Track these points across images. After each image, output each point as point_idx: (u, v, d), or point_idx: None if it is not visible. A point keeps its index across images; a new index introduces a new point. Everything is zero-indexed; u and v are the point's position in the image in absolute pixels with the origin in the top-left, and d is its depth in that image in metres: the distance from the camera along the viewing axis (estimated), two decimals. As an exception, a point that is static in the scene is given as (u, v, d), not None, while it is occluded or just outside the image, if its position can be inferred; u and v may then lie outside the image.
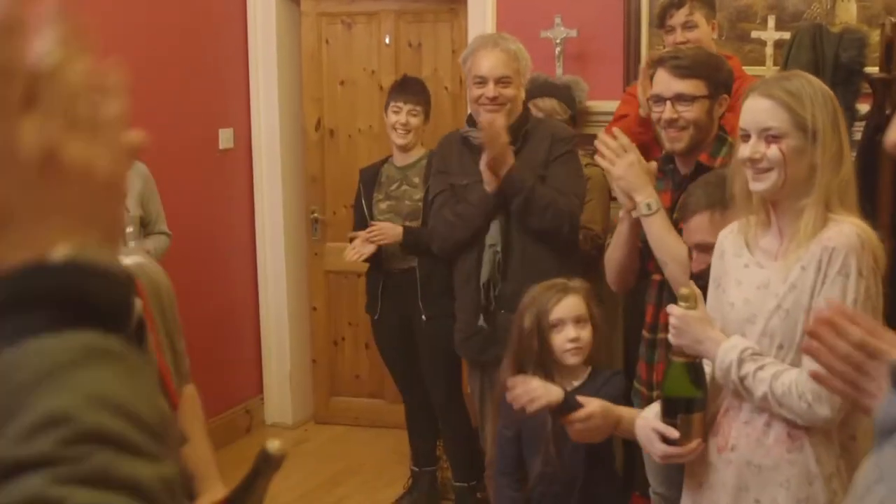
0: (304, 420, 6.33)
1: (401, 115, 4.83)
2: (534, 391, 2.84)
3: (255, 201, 6.08)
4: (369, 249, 4.75)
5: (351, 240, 4.93)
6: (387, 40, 5.93)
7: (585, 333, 3.24)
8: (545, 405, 2.83)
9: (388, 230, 4.73)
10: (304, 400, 6.34)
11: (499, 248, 4.13)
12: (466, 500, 4.92)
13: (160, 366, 1.62)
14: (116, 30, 5.10)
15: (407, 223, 4.79)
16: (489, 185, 4.07)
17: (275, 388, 6.26)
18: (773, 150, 2.51)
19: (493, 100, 4.10)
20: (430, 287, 4.71)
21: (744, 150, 2.58)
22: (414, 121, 4.84)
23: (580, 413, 2.79)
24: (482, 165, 4.03)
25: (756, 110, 2.57)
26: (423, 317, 4.75)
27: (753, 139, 2.56)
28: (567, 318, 3.24)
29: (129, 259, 1.60)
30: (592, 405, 2.82)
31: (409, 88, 4.95)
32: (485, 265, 4.16)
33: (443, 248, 4.39)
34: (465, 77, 4.29)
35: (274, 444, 1.79)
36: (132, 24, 5.20)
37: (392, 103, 4.87)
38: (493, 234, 4.14)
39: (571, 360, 3.20)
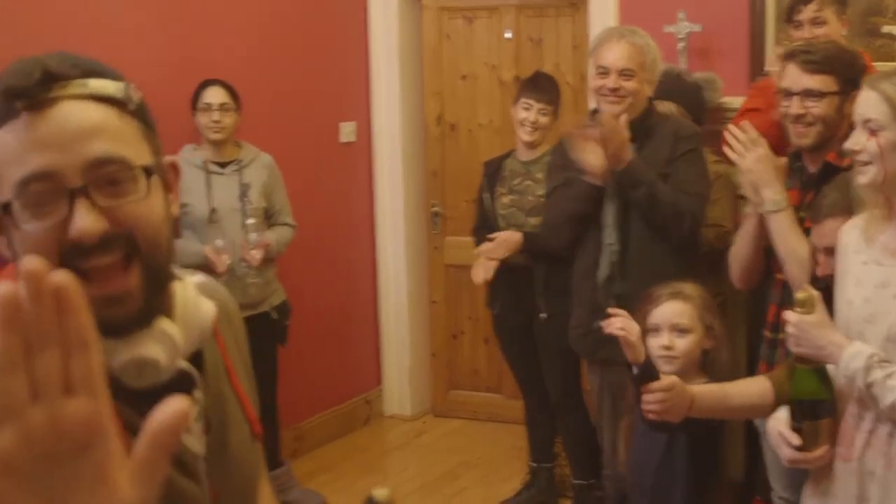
0: (422, 412, 6.37)
1: (531, 112, 4.78)
2: (628, 328, 2.77)
3: (376, 195, 6.14)
4: (493, 266, 4.72)
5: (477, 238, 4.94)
6: (507, 35, 5.92)
7: (682, 342, 3.15)
8: (630, 346, 2.75)
9: (506, 241, 4.70)
10: (423, 392, 6.39)
11: (616, 248, 4.08)
12: (585, 498, 4.88)
13: (239, 394, 1.51)
14: (240, 24, 5.20)
15: (529, 218, 4.77)
16: (593, 178, 4.03)
17: (394, 381, 6.31)
18: (871, 143, 2.46)
19: (614, 91, 4.04)
20: (549, 285, 4.67)
21: (847, 141, 2.53)
22: (543, 120, 4.79)
23: (662, 382, 2.69)
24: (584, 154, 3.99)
25: (862, 101, 2.53)
26: (543, 315, 4.73)
27: (857, 130, 2.51)
28: (663, 324, 3.17)
29: (197, 279, 1.49)
30: (670, 377, 2.75)
31: (542, 86, 4.88)
32: (602, 264, 4.12)
33: (552, 243, 4.38)
34: (591, 68, 4.24)
35: (381, 493, 1.76)
36: (256, 20, 5.29)
37: (522, 99, 4.81)
38: (611, 232, 4.10)
39: (664, 367, 3.09)
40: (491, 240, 4.73)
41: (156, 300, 1.29)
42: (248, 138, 4.91)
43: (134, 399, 1.19)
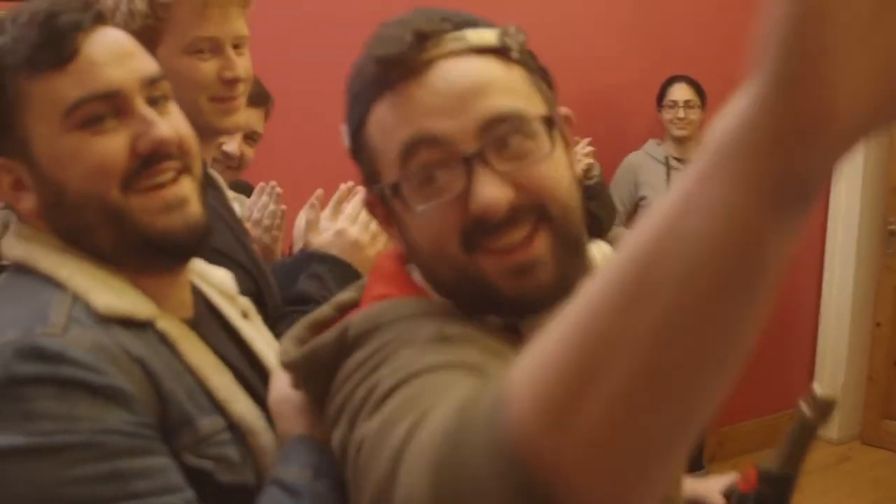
0: (849, 438, 5.81)
1: None
2: None
3: (830, 206, 5.73)
4: None
5: None
6: None
7: None
8: None
9: None
10: (853, 417, 5.84)
11: None
12: None
13: None
14: (709, 21, 5.28)
15: None
16: None
17: (825, 400, 5.67)
18: None
19: None
20: None
21: None
22: None
23: None
24: None
25: None
26: None
27: None
28: None
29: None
30: None
31: None
32: None
33: None
34: None
35: (824, 390, 1.42)
36: (724, 16, 5.23)
37: None
38: None
39: None
40: None
41: (571, 267, 1.09)
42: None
43: None
